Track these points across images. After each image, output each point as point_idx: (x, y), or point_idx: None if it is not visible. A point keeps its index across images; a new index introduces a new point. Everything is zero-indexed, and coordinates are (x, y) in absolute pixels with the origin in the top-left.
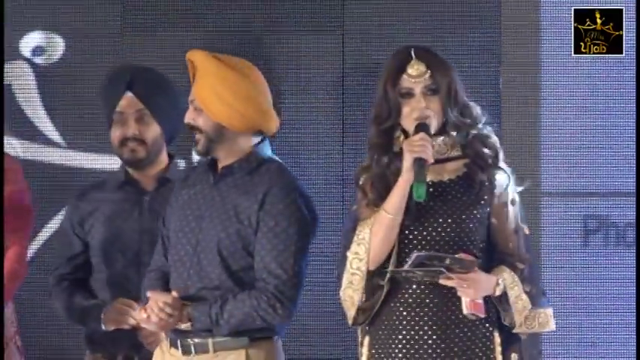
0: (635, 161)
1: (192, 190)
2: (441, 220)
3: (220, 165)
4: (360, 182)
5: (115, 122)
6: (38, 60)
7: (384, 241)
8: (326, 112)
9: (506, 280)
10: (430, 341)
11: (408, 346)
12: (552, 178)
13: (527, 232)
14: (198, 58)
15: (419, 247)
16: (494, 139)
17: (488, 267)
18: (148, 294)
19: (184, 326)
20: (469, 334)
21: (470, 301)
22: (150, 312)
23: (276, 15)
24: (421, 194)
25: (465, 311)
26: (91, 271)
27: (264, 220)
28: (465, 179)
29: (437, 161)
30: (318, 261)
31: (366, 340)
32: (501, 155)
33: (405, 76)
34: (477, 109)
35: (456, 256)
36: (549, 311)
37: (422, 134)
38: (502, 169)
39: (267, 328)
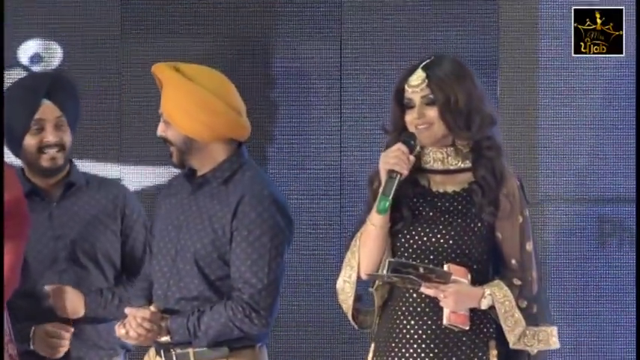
0: (635, 162)
1: (173, 199)
2: (436, 231)
3: (197, 174)
4: (374, 186)
5: (32, 129)
6: (36, 68)
7: (371, 251)
8: (324, 116)
9: (495, 295)
10: (421, 349)
11: (399, 354)
12: (550, 183)
13: (532, 246)
14: (161, 71)
15: (414, 255)
16: (496, 149)
17: (485, 280)
18: (126, 310)
19: (164, 339)
20: (465, 345)
21: (450, 312)
22: (128, 327)
23: (275, 21)
24: (381, 209)
25: (444, 322)
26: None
27: (237, 230)
28: (469, 193)
29: (444, 172)
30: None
31: (372, 346)
32: (507, 169)
33: (406, 86)
34: (482, 118)
35: (431, 266)
36: (551, 330)
37: (398, 145)
38: (512, 180)
39: (247, 338)
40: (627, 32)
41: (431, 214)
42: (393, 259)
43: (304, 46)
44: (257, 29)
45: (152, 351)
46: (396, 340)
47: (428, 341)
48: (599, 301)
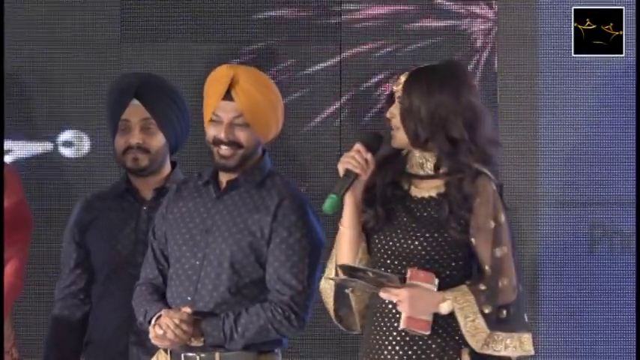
0: (635, 163)
1: (190, 203)
2: (407, 236)
3: (225, 179)
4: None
5: (120, 130)
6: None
7: (344, 253)
8: (323, 119)
9: (456, 299)
10: (395, 351)
11: (375, 356)
12: (550, 186)
13: (505, 251)
14: (242, 72)
15: (386, 258)
16: (469, 161)
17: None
18: (163, 312)
19: (197, 342)
20: (433, 352)
21: (406, 316)
22: (166, 329)
23: (274, 24)
24: (327, 206)
25: (401, 326)
26: (92, 281)
27: (276, 232)
28: (442, 199)
29: (424, 177)
30: None
31: (361, 348)
32: (482, 178)
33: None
34: (448, 133)
35: (381, 271)
36: (518, 335)
37: (356, 145)
38: (487, 187)
39: (276, 341)
40: (627, 32)
41: (405, 218)
42: (344, 264)
43: (304, 50)
44: (257, 33)
45: (161, 355)
46: (373, 343)
47: (397, 347)
48: (594, 303)
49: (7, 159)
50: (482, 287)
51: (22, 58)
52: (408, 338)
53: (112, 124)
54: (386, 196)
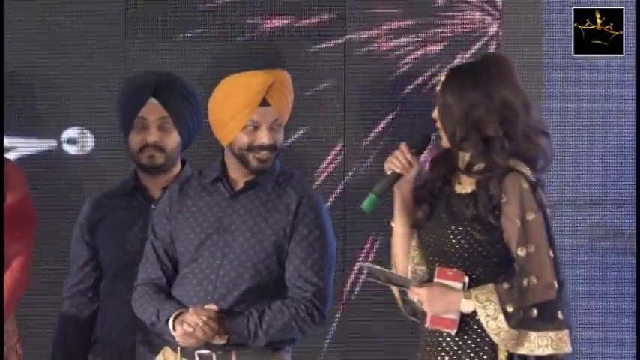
0: (634, 165)
1: (200, 202)
2: (443, 232)
3: (239, 178)
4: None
5: (136, 127)
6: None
7: (396, 249)
8: (328, 118)
9: (477, 298)
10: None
11: (423, 351)
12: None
13: (532, 250)
14: (277, 77)
15: (430, 256)
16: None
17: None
18: (191, 309)
19: (220, 340)
20: (469, 348)
21: (431, 315)
22: (195, 326)
23: (279, 21)
24: (366, 205)
25: (426, 324)
26: (101, 279)
27: (297, 230)
28: (471, 198)
29: (466, 173)
30: None
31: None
32: (514, 176)
33: None
34: (479, 131)
35: (393, 271)
36: (552, 334)
37: (401, 145)
38: (517, 185)
39: (292, 338)
40: (627, 32)
41: (444, 215)
42: (364, 263)
43: (309, 48)
44: (261, 31)
45: (167, 352)
46: (422, 336)
47: (436, 343)
48: (597, 305)
49: (12, 156)
50: (506, 285)
51: (25, 56)
52: (444, 333)
53: (126, 121)
54: (433, 193)
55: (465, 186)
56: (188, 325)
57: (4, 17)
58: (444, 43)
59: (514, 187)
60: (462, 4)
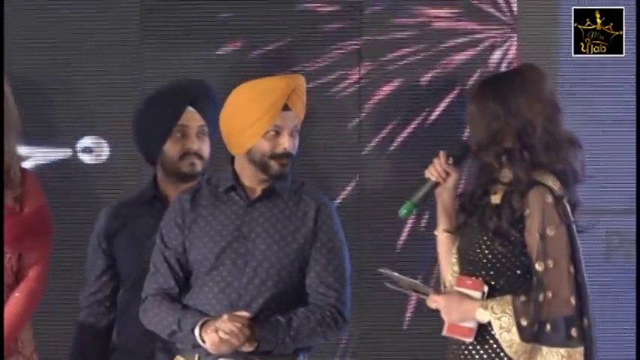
0: (635, 165)
1: (215, 211)
2: (472, 242)
3: (255, 185)
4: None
5: (175, 135)
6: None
7: (439, 255)
8: (343, 124)
9: (493, 309)
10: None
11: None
12: None
13: (549, 266)
14: (301, 82)
15: (462, 265)
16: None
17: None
18: (225, 316)
19: (249, 347)
20: (489, 356)
21: (448, 323)
22: (231, 333)
23: (294, 28)
24: (403, 211)
25: (443, 332)
26: (118, 288)
27: (317, 237)
28: (499, 208)
29: (499, 183)
30: None
31: None
32: (537, 190)
33: None
34: (508, 140)
35: (408, 278)
36: (563, 350)
37: (440, 153)
38: (540, 198)
39: (311, 346)
40: (627, 32)
41: (475, 224)
42: (382, 270)
43: (324, 56)
44: (277, 38)
45: None
46: (449, 347)
47: (459, 351)
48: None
49: (27, 165)
50: (523, 299)
51: (40, 63)
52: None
53: (163, 129)
54: (471, 202)
55: (497, 197)
56: (224, 333)
57: (4, 21)
58: (461, 54)
59: (537, 200)
60: (478, 16)
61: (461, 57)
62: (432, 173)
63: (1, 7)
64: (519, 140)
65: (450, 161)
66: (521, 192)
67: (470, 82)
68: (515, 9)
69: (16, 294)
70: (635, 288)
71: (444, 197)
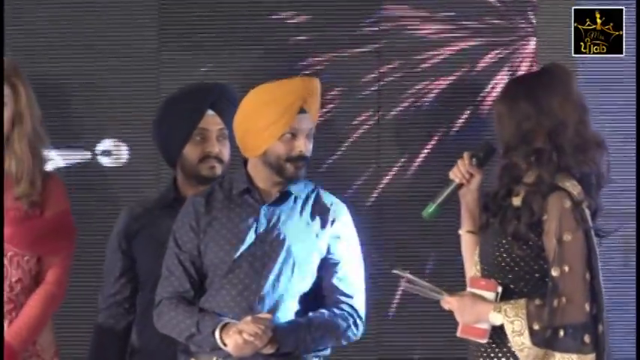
0: (635, 165)
1: (230, 213)
2: (492, 243)
3: (270, 188)
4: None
5: (196, 138)
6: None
7: (464, 256)
8: (361, 128)
9: (506, 312)
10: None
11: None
12: None
13: (564, 271)
14: (317, 85)
15: (481, 266)
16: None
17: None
18: (248, 318)
19: (270, 349)
20: (505, 357)
21: (462, 325)
22: (255, 335)
23: (312, 32)
24: (426, 213)
25: (457, 333)
26: (137, 290)
27: (333, 236)
28: (519, 211)
29: (523, 184)
30: None
31: None
32: (557, 194)
33: None
34: (539, 140)
35: (419, 280)
36: (575, 357)
37: (464, 154)
38: (559, 203)
39: (327, 350)
40: (627, 32)
41: (496, 225)
42: (396, 271)
43: (343, 60)
44: (295, 42)
45: None
46: (469, 349)
47: (477, 353)
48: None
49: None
50: (537, 303)
51: (60, 67)
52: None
53: (183, 132)
54: (496, 203)
55: (518, 199)
56: (248, 335)
57: (4, 20)
58: (479, 60)
59: (556, 205)
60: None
61: (481, 63)
62: (456, 174)
63: (1, 7)
64: (551, 141)
65: (474, 162)
66: (543, 194)
67: (489, 87)
68: (532, 16)
69: (34, 296)
70: (635, 288)
71: (468, 198)
